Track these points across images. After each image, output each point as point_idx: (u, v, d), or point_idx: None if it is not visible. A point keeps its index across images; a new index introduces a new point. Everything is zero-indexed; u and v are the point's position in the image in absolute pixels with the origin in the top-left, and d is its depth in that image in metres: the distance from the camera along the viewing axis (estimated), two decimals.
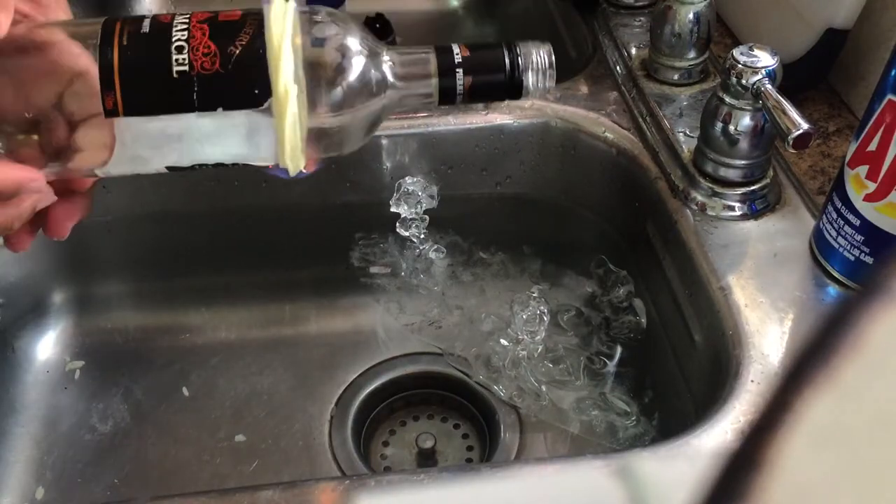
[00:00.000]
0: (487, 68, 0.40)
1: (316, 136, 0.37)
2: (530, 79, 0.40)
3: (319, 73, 0.37)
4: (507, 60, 0.40)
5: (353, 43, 0.38)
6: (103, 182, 0.45)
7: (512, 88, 0.40)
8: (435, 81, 0.40)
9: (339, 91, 0.37)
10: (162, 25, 0.37)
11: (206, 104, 0.36)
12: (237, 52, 0.36)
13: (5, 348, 0.69)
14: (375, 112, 0.39)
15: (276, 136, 0.36)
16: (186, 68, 0.36)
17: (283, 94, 0.35)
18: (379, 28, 0.92)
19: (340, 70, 0.37)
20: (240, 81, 0.36)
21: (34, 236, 0.41)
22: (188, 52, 0.36)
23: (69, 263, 0.72)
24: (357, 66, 0.38)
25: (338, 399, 0.69)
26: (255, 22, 0.36)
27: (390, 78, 0.39)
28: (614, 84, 0.70)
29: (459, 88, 0.40)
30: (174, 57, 0.36)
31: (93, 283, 0.74)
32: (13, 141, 0.36)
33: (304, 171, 0.38)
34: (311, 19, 0.37)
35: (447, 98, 0.40)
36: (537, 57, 0.40)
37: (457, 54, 0.40)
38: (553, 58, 0.40)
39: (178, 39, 0.36)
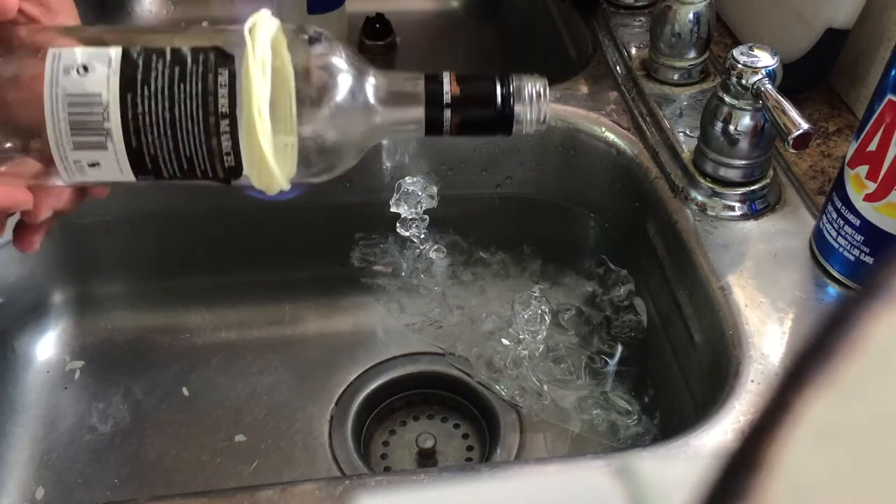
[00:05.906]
0: (477, 101, 0.37)
1: (300, 159, 0.36)
2: (522, 114, 0.37)
3: (304, 93, 0.35)
4: (498, 94, 0.37)
5: (340, 63, 0.36)
6: None
7: (503, 124, 0.38)
8: (421, 112, 0.37)
9: (324, 112, 0.36)
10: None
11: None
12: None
13: (5, 348, 0.69)
14: (359, 136, 0.37)
15: (249, 159, 0.35)
16: None
17: (254, 118, 0.34)
18: (379, 28, 0.92)
19: (325, 91, 0.36)
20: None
21: (42, 236, 0.41)
22: None
23: (69, 263, 0.72)
24: (343, 87, 0.36)
25: (338, 399, 0.69)
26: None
27: (377, 103, 0.37)
28: (614, 84, 0.70)
29: (446, 122, 0.37)
30: None
31: (93, 283, 0.73)
32: (13, 146, 0.36)
33: (284, 192, 0.37)
34: (297, 38, 0.36)
35: (433, 130, 0.38)
36: (530, 91, 0.37)
37: (446, 85, 0.37)
38: (548, 91, 0.38)
39: None
